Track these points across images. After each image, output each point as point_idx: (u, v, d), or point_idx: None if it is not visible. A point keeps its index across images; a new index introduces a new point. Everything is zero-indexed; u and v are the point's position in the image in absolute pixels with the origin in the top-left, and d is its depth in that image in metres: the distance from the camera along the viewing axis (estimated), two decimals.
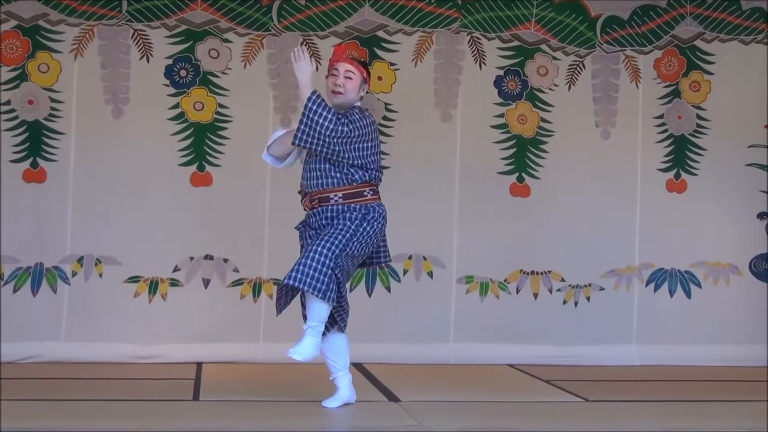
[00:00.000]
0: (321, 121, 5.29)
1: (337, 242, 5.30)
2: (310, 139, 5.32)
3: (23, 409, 5.30)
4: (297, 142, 5.35)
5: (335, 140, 5.32)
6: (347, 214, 5.40)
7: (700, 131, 7.53)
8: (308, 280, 5.22)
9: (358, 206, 5.42)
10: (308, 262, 5.24)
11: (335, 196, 5.43)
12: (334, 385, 5.48)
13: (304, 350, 5.29)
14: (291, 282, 5.22)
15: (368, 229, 5.40)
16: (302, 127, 5.31)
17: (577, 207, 7.40)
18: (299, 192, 5.57)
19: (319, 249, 5.26)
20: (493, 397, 5.95)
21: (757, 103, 7.49)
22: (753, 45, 7.52)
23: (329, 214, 5.41)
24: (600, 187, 7.42)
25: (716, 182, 7.51)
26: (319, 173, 5.43)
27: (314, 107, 5.30)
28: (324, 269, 5.23)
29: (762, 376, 6.79)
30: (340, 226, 5.36)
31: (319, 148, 5.35)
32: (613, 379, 6.76)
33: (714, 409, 5.75)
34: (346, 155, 5.38)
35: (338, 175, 5.42)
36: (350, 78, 5.47)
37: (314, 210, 5.44)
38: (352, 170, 5.41)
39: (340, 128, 5.31)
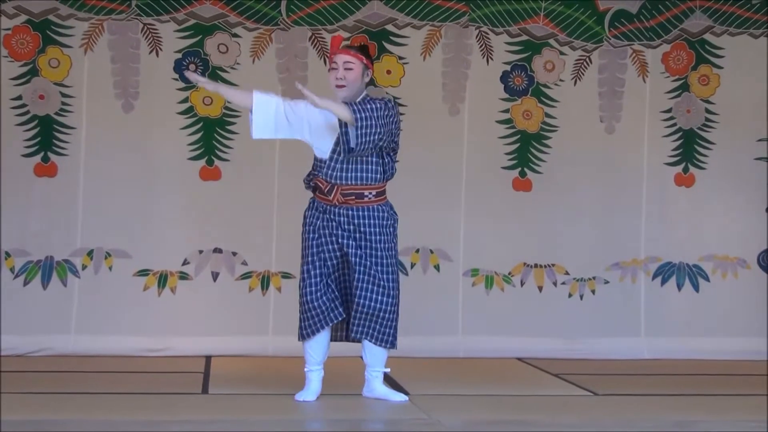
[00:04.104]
0: (373, 122, 5.21)
1: (397, 280, 5.43)
2: (367, 145, 5.24)
3: (33, 402, 5.33)
4: (358, 148, 5.22)
5: (385, 132, 5.29)
6: (385, 222, 5.39)
7: (709, 125, 7.53)
8: (392, 339, 5.43)
9: (386, 209, 5.43)
10: (387, 320, 5.38)
11: (370, 194, 5.39)
12: (308, 378, 5.49)
13: (379, 393, 5.49)
14: (382, 345, 5.40)
15: (396, 241, 5.51)
16: (361, 138, 5.19)
17: (580, 201, 7.40)
18: (313, 182, 5.45)
19: (392, 301, 5.39)
20: (503, 391, 5.96)
21: (766, 97, 7.48)
22: (763, 38, 7.51)
23: (366, 214, 5.36)
24: (604, 182, 7.43)
25: (725, 176, 7.51)
26: (362, 167, 5.35)
27: (362, 114, 5.19)
28: (397, 323, 5.43)
29: None
30: (390, 252, 5.39)
31: (371, 146, 5.28)
32: (622, 372, 6.76)
33: (724, 402, 5.75)
34: (393, 145, 5.40)
35: (379, 169, 5.38)
36: (351, 69, 5.36)
37: (348, 207, 5.36)
38: (390, 164, 5.41)
39: (389, 120, 5.30)
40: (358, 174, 5.38)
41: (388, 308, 5.39)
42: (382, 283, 5.38)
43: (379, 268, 5.37)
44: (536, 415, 5.29)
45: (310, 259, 5.41)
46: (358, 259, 5.37)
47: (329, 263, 5.40)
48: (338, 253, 5.41)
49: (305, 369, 5.50)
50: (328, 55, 5.51)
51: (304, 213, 5.52)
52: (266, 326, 7.15)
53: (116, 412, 5.15)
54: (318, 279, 5.38)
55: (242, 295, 7.14)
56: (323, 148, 5.42)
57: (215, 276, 7.14)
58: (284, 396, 5.59)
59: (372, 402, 5.46)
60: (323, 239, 5.41)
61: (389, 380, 5.67)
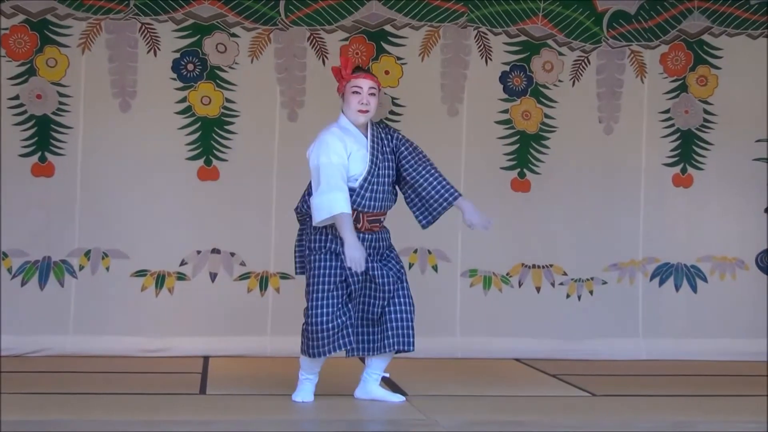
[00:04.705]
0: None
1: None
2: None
3: (31, 402, 5.33)
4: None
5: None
6: (390, 241, 5.55)
7: (707, 126, 7.53)
8: (414, 342, 5.43)
9: (386, 228, 5.55)
10: (413, 322, 5.43)
11: (384, 218, 5.51)
12: (302, 382, 5.51)
13: (376, 395, 5.50)
14: (405, 347, 5.40)
15: None
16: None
17: (579, 202, 7.40)
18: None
19: (415, 306, 5.45)
20: (501, 392, 5.96)
21: (765, 98, 7.48)
22: (761, 39, 7.51)
23: (380, 236, 5.47)
24: (602, 183, 7.43)
25: (723, 177, 7.51)
26: (387, 195, 5.46)
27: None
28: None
29: None
30: (401, 266, 5.52)
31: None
32: (620, 373, 6.76)
33: (723, 403, 5.75)
34: None
35: (394, 197, 5.54)
36: (374, 95, 5.43)
37: (373, 233, 5.42)
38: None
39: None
40: (383, 203, 5.45)
41: (414, 310, 5.46)
42: (408, 293, 5.46)
43: (404, 283, 5.47)
44: (534, 416, 5.29)
45: (328, 279, 5.33)
46: (386, 279, 5.40)
47: (352, 287, 5.36)
48: (361, 277, 5.37)
49: (300, 375, 5.50)
50: (342, 74, 5.42)
51: (311, 237, 5.42)
52: (264, 327, 7.14)
53: (114, 412, 5.15)
54: (337, 300, 5.32)
55: (240, 296, 7.13)
56: (352, 177, 5.38)
57: (213, 276, 7.13)
58: (282, 396, 5.59)
59: (369, 403, 5.46)
60: (344, 263, 5.34)
61: (388, 380, 5.66)
